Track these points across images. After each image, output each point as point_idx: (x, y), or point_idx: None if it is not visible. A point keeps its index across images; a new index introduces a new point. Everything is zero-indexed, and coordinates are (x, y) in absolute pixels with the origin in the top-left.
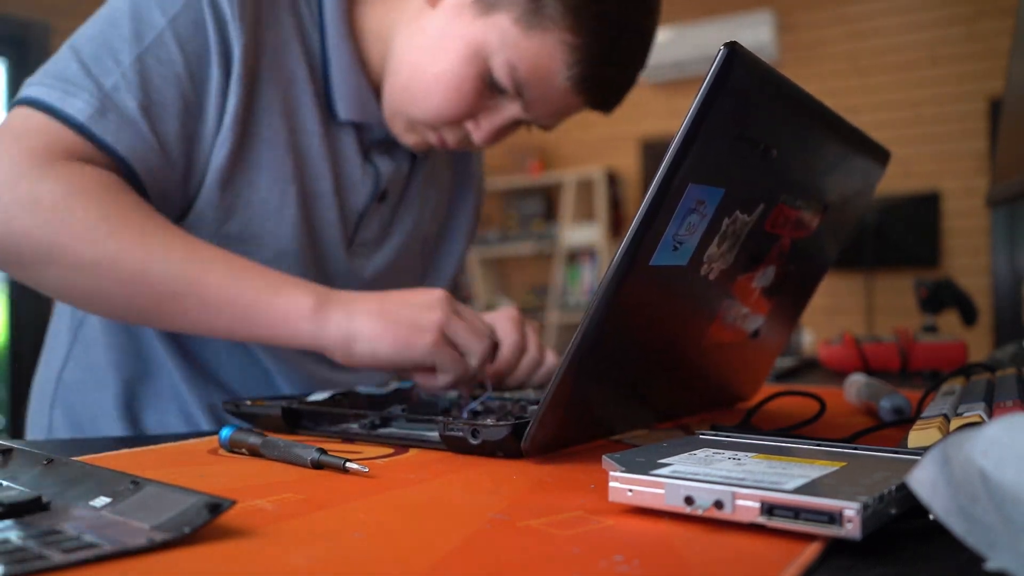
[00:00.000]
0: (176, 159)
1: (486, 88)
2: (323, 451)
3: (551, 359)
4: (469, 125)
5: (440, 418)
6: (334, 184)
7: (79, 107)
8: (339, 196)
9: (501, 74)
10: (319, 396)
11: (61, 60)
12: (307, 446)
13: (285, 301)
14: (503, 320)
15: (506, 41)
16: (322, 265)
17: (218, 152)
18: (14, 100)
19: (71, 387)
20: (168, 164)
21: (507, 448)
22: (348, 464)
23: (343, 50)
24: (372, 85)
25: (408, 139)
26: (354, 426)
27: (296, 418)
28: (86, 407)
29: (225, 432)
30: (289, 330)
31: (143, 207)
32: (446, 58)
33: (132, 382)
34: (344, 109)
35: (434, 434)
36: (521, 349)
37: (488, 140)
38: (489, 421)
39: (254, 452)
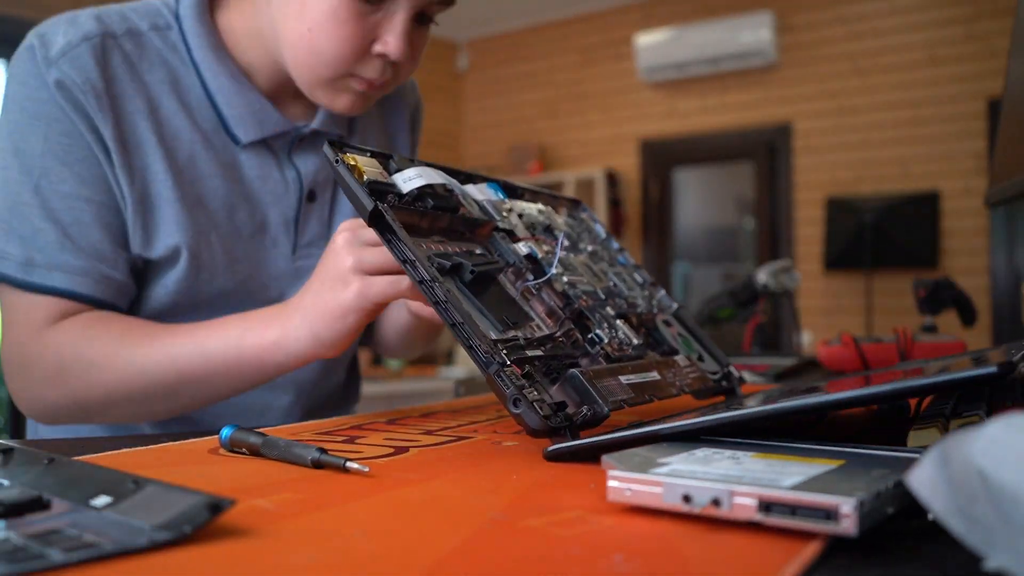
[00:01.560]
0: (119, 260)
1: (363, 4)
2: (323, 451)
3: None
4: (377, 47)
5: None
6: (251, 210)
7: (11, 268)
8: (262, 216)
9: None
10: None
11: None
12: (307, 446)
13: (253, 346)
14: None
15: None
16: (274, 286)
17: (133, 234)
18: None
19: None
20: (115, 268)
21: (531, 432)
22: (348, 464)
23: (220, 75)
24: (269, 90)
25: (341, 104)
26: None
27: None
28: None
29: (225, 432)
30: (275, 365)
31: (108, 323)
32: (315, 6)
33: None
34: (243, 133)
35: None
36: None
37: (403, 48)
38: (544, 396)
39: (254, 452)
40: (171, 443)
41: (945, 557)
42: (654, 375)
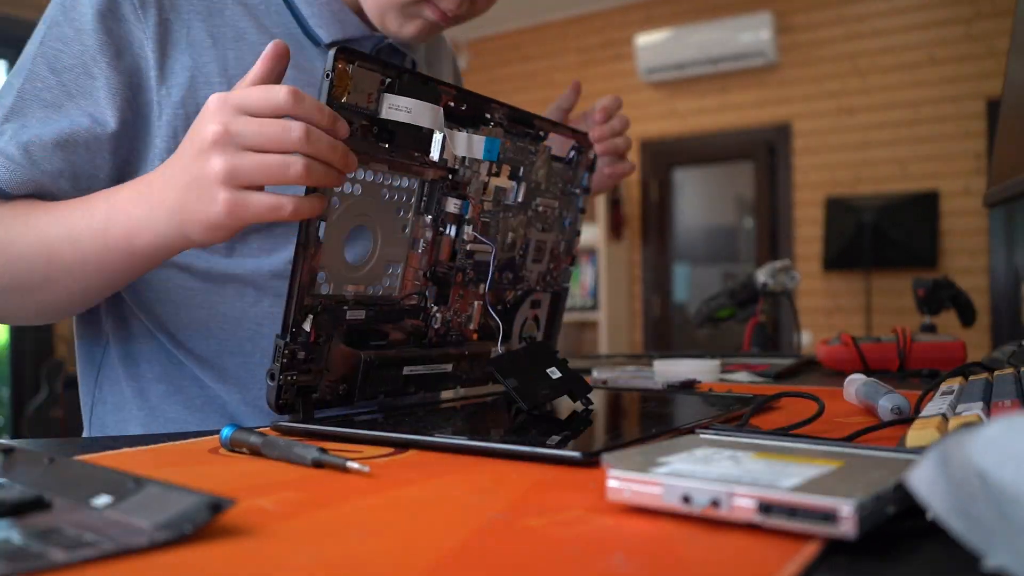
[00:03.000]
0: (86, 176)
1: None
2: (323, 450)
3: None
4: None
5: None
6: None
7: None
8: None
9: None
10: None
11: None
12: (307, 445)
13: (120, 227)
14: None
15: None
16: None
17: (166, 147)
18: None
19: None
20: (75, 183)
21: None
22: (349, 463)
23: None
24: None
25: (408, 31)
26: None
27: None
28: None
29: (226, 431)
30: (143, 251)
31: (24, 205)
32: None
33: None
34: (324, 32)
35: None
36: None
37: None
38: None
39: (255, 451)
40: (171, 443)
41: (945, 557)
42: (446, 368)
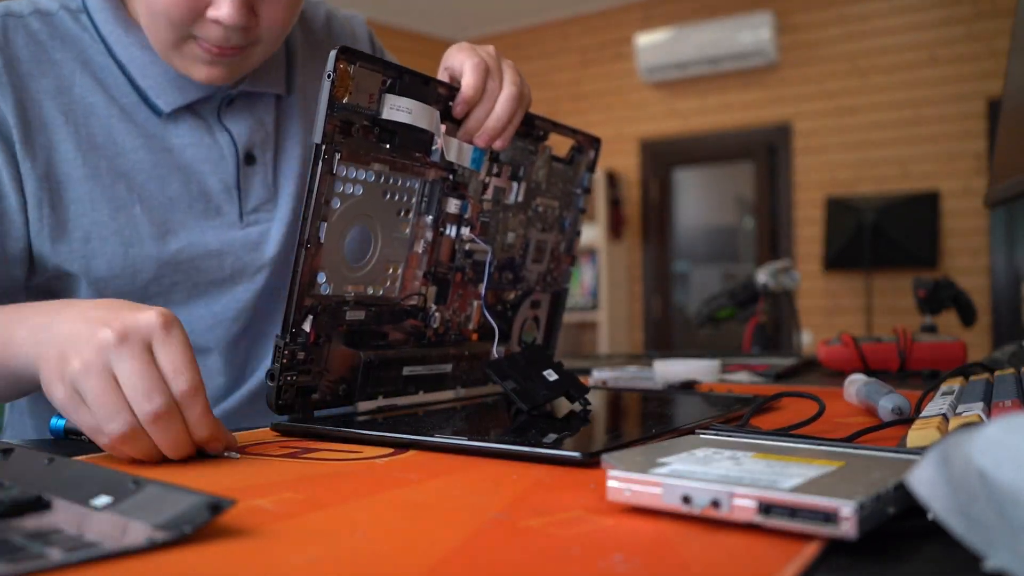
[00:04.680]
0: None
1: None
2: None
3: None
4: (210, 12)
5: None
6: (186, 179)
7: None
8: (199, 184)
9: None
10: None
11: None
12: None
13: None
14: (460, 56)
15: None
16: (227, 253)
17: (34, 219)
18: None
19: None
20: None
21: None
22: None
23: (130, 46)
24: None
25: (198, 73)
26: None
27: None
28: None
29: (56, 422)
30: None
31: None
32: None
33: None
34: (164, 102)
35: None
36: (478, 94)
37: (234, 13)
38: (301, 378)
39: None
40: None
41: (945, 557)
42: (446, 368)
